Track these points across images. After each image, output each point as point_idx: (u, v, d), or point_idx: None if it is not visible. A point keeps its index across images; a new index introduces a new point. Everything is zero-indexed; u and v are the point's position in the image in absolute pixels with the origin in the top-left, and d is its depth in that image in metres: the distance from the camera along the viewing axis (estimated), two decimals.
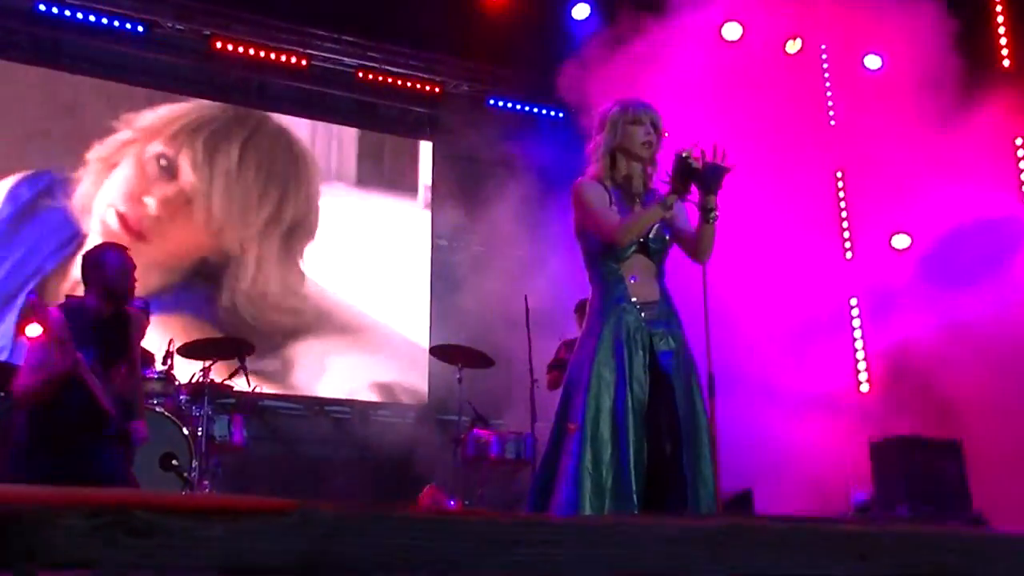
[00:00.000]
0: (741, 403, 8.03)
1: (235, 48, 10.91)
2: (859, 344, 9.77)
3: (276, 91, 11.24)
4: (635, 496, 4.06)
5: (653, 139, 4.49)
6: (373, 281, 11.13)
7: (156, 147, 10.50)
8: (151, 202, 10.32)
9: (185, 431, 7.23)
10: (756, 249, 9.28)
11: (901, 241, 9.75)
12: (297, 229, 10.97)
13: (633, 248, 4.37)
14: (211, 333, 9.70)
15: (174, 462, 7.02)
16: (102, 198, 10.17)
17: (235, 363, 8.19)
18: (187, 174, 10.54)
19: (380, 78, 11.56)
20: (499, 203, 10.85)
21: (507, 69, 11.77)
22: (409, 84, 11.69)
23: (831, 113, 10.25)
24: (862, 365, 9.74)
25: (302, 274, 10.89)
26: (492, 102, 12.05)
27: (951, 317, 8.88)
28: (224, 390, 8.20)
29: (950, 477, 8.09)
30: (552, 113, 11.94)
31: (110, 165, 10.27)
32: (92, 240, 9.61)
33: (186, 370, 8.16)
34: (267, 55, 11.02)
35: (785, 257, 9.49)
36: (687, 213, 4.47)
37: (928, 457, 8.15)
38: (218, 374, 8.24)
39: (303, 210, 11.03)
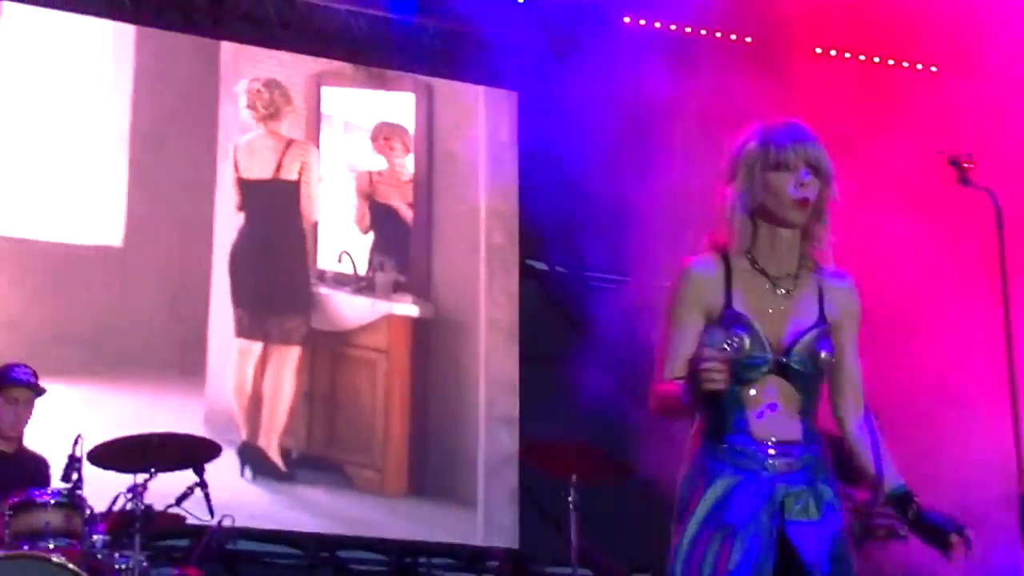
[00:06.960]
0: None
1: None
2: None
3: None
4: None
5: (812, 191, 3.39)
6: None
7: None
8: None
9: None
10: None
11: None
12: None
13: (765, 367, 3.39)
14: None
15: None
16: None
17: (189, 477, 6.14)
18: None
19: None
20: None
21: None
22: None
23: None
24: None
25: None
26: None
27: None
28: (170, 524, 6.31)
29: None
30: None
31: None
32: None
33: (104, 489, 6.00)
34: None
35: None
36: (853, 335, 3.51)
37: None
38: (159, 496, 6.03)
39: None
